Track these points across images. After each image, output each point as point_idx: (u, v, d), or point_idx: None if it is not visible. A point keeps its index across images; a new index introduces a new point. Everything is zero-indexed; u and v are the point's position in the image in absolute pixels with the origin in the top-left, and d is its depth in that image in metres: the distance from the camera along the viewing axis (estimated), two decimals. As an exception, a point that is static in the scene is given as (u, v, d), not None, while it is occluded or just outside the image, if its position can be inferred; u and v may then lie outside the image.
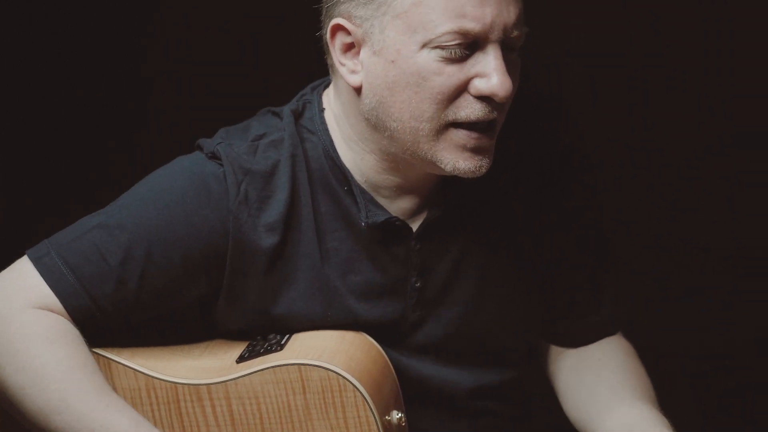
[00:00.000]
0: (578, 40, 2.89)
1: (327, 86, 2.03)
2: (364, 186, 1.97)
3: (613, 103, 2.93)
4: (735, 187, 2.94)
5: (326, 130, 1.98)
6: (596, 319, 2.12)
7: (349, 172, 1.97)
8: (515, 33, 1.84)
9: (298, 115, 2.01)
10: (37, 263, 1.90)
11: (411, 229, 1.99)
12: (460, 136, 1.86)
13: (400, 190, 1.98)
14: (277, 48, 2.89)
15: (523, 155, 2.03)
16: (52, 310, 1.89)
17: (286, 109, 2.01)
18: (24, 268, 1.91)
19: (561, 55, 2.87)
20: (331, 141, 1.98)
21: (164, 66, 2.99)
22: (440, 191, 2.00)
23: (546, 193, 2.05)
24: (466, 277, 2.02)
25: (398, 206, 1.99)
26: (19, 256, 1.97)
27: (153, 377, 1.92)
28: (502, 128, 1.92)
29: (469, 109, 1.84)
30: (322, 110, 2.00)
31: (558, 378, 2.13)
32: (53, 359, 1.84)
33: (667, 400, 2.10)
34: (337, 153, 1.97)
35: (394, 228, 1.97)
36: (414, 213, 2.00)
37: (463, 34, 1.80)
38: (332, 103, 1.99)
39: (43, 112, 2.94)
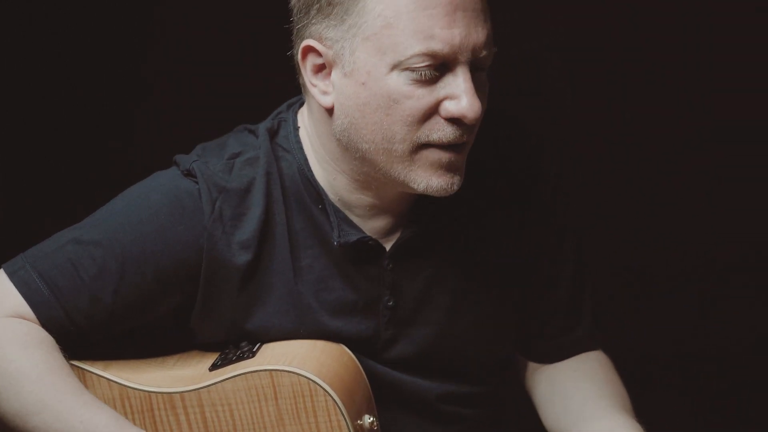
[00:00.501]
0: (557, 35, 2.89)
1: (302, 104, 2.02)
2: (337, 205, 1.97)
3: (592, 98, 2.93)
4: (715, 181, 2.95)
5: (301, 148, 1.98)
6: (574, 337, 2.12)
7: (323, 190, 1.97)
8: (484, 53, 1.82)
9: (273, 134, 2.00)
10: (12, 276, 1.92)
11: (384, 248, 1.99)
12: (434, 154, 1.85)
13: (374, 210, 1.97)
14: (277, 48, 2.90)
15: (491, 175, 2.03)
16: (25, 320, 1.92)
17: (262, 127, 2.01)
18: None
19: (540, 50, 2.88)
20: (306, 159, 1.98)
21: (164, 66, 3.01)
22: (414, 211, 1.99)
23: (517, 211, 2.05)
24: (438, 297, 2.02)
25: (372, 225, 1.98)
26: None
27: (127, 386, 1.93)
28: (471, 151, 1.91)
29: (441, 132, 1.83)
30: (296, 129, 2.00)
31: (535, 391, 2.13)
32: (28, 363, 1.86)
33: (658, 401, 2.11)
34: (311, 171, 1.97)
35: (367, 247, 1.97)
36: (388, 232, 1.99)
37: (432, 55, 1.79)
38: (306, 122, 1.99)
39: (43, 112, 2.96)
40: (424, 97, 1.81)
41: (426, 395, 2.04)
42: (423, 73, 1.80)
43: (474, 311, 2.04)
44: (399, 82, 1.81)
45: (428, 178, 1.85)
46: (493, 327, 2.06)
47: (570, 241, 2.10)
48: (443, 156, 1.85)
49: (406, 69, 1.80)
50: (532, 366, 2.15)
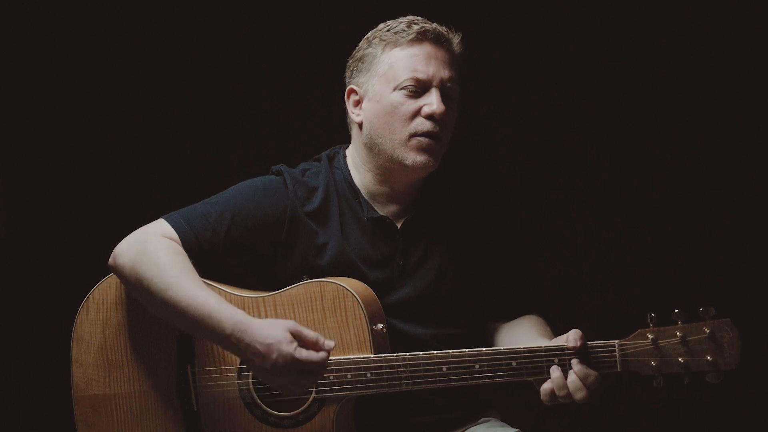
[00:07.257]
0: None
1: (348, 145, 3.22)
2: (366, 197, 3.13)
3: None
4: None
5: (346, 166, 3.17)
6: (522, 304, 3.19)
7: (358, 189, 3.13)
8: (448, 85, 3.05)
9: (330, 159, 3.20)
10: (167, 218, 3.04)
11: (396, 226, 3.12)
12: (418, 140, 3.03)
13: (389, 199, 3.13)
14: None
15: (468, 190, 3.20)
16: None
17: (324, 155, 3.21)
18: (158, 221, 3.04)
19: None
20: (349, 172, 3.16)
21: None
22: (416, 202, 3.13)
23: (483, 214, 3.19)
24: (432, 260, 3.13)
25: (388, 210, 3.13)
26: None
27: (228, 292, 2.99)
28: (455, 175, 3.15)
29: (422, 125, 3.04)
30: (345, 156, 3.19)
31: (498, 337, 3.18)
32: (170, 260, 2.93)
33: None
34: (352, 179, 3.15)
35: (385, 224, 3.11)
36: (399, 215, 3.14)
37: (416, 79, 3.03)
38: (350, 151, 3.19)
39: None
40: (411, 105, 3.04)
41: (417, 337, 3.08)
42: (410, 90, 3.02)
43: (455, 271, 3.13)
44: (397, 96, 3.05)
45: (414, 157, 3.04)
46: (467, 283, 3.15)
47: (518, 242, 3.22)
48: (423, 141, 3.03)
49: (401, 88, 3.04)
50: (495, 325, 3.20)
